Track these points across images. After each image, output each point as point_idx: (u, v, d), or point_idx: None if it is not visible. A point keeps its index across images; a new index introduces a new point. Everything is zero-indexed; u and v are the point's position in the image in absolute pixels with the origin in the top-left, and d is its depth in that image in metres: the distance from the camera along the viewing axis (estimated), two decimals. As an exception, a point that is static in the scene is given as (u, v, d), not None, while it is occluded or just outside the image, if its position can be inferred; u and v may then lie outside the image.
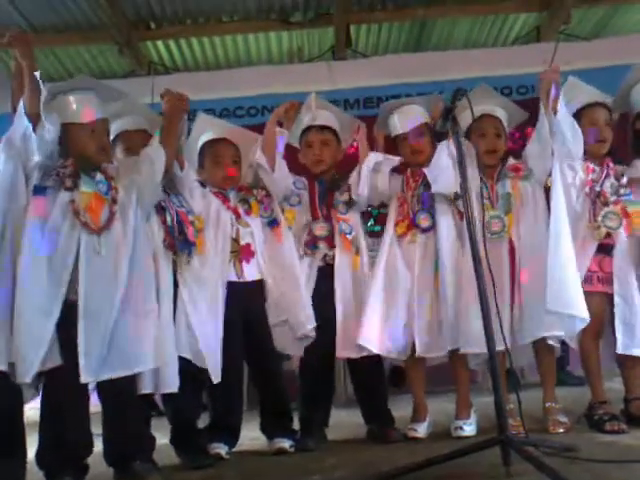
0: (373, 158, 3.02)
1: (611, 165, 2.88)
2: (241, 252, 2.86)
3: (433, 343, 2.83)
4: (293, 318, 2.85)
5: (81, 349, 2.30)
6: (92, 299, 2.35)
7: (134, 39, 5.16)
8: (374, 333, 2.83)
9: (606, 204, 2.78)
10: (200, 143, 3.00)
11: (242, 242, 2.87)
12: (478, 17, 5.33)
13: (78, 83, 2.65)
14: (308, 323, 2.85)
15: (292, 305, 2.85)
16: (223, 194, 2.94)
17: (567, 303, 2.64)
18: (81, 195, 2.42)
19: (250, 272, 2.87)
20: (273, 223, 2.95)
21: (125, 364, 2.38)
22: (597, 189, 2.81)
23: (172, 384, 2.54)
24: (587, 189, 2.82)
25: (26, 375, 2.26)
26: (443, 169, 2.82)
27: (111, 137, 2.78)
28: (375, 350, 2.83)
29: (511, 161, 2.96)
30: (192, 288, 2.68)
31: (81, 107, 2.51)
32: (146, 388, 2.51)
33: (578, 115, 2.91)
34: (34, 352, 2.26)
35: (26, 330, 2.27)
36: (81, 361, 2.29)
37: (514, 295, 2.78)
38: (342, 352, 2.89)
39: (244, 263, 2.86)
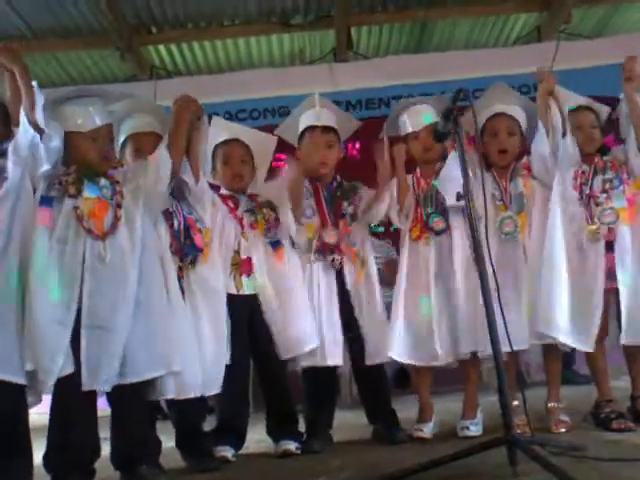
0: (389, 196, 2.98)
1: (597, 159, 2.85)
2: (241, 265, 2.84)
3: (451, 347, 2.82)
4: (292, 339, 2.82)
5: (83, 357, 2.30)
6: (97, 307, 2.33)
7: (136, 44, 5.17)
8: (400, 343, 2.84)
9: (598, 204, 2.76)
10: (213, 145, 2.97)
11: (243, 255, 2.86)
12: (479, 18, 5.34)
13: (79, 91, 2.63)
14: (310, 342, 2.82)
15: (291, 327, 2.81)
16: (234, 198, 2.93)
17: (554, 329, 2.67)
18: (84, 201, 2.41)
19: (249, 286, 2.85)
20: (276, 244, 2.91)
21: (135, 371, 2.36)
22: (587, 192, 2.79)
23: (192, 389, 2.53)
24: (577, 195, 2.80)
25: (46, 385, 2.27)
26: (454, 181, 2.81)
27: (121, 139, 2.78)
28: (406, 361, 2.85)
29: (525, 159, 2.92)
30: (196, 295, 2.65)
31: (81, 116, 2.48)
32: (167, 393, 2.48)
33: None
34: (53, 361, 2.26)
35: (43, 341, 2.26)
36: (83, 369, 2.29)
37: None
38: (371, 360, 2.87)
39: (244, 277, 2.84)
